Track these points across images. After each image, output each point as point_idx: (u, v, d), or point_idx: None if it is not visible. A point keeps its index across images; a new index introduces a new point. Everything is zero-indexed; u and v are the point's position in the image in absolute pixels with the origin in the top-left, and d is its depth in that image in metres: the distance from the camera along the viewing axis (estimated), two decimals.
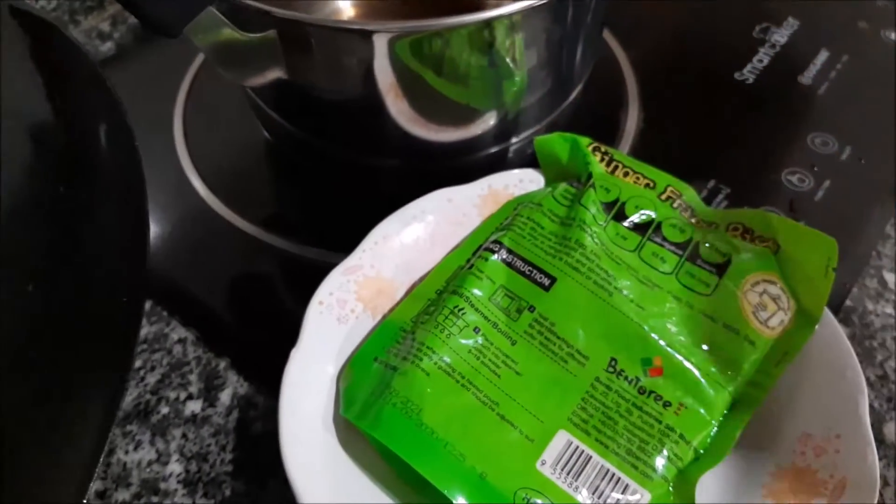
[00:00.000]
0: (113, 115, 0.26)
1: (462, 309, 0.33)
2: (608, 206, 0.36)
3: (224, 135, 0.48)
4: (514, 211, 0.37)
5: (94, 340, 0.24)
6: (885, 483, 0.34)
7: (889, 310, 0.40)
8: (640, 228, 0.35)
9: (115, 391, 0.22)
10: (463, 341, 0.32)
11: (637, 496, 0.29)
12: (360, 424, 0.31)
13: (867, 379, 0.36)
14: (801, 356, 0.33)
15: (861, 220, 0.42)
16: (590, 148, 0.38)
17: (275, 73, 0.37)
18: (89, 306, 0.24)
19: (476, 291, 0.34)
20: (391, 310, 0.36)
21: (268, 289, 0.42)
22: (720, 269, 0.34)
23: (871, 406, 0.36)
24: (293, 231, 0.43)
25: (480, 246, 0.36)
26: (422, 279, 0.36)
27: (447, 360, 0.32)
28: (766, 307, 0.33)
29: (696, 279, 0.34)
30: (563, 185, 0.37)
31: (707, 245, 0.35)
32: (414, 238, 0.37)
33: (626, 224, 0.36)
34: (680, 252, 0.35)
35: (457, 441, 0.30)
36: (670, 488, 0.30)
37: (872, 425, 0.35)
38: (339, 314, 0.35)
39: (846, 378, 0.32)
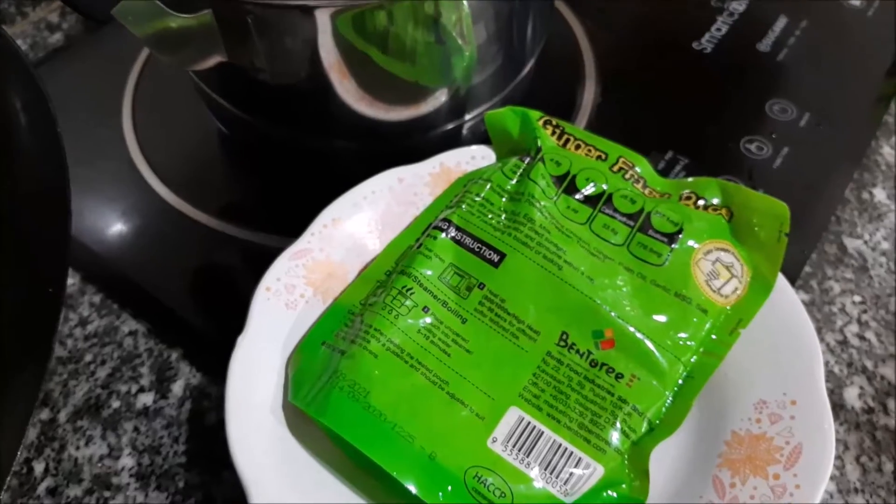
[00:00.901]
0: (36, 102, 0.25)
1: (410, 289, 0.33)
2: (558, 180, 0.35)
3: (174, 124, 0.47)
4: (464, 188, 0.36)
5: (12, 333, 0.23)
6: (845, 447, 0.34)
7: (849, 275, 0.39)
8: (590, 201, 0.35)
9: (34, 384, 0.22)
10: (411, 321, 0.32)
11: (590, 470, 0.29)
12: (308, 410, 0.30)
13: (827, 344, 0.36)
14: (755, 323, 0.32)
15: (820, 186, 0.42)
16: (540, 122, 0.37)
17: (215, 57, 0.36)
18: (8, 298, 0.23)
19: (425, 271, 0.33)
20: (342, 293, 0.35)
21: (222, 278, 0.41)
22: (672, 238, 0.33)
23: (830, 371, 0.36)
24: (247, 219, 0.42)
25: (430, 225, 0.35)
26: (373, 261, 0.36)
27: (395, 341, 0.31)
28: (718, 275, 0.33)
29: (648, 249, 0.33)
30: (513, 160, 0.36)
31: (659, 215, 0.34)
32: (364, 219, 0.37)
33: (576, 197, 0.35)
34: (631, 223, 0.34)
35: (405, 422, 0.29)
36: (624, 461, 0.29)
37: (832, 391, 0.35)
38: (288, 300, 0.34)
39: (801, 344, 0.32)
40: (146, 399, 0.36)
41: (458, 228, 0.34)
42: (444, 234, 0.34)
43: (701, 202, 0.35)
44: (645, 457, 0.29)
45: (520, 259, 0.33)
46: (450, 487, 0.29)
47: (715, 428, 0.31)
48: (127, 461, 0.35)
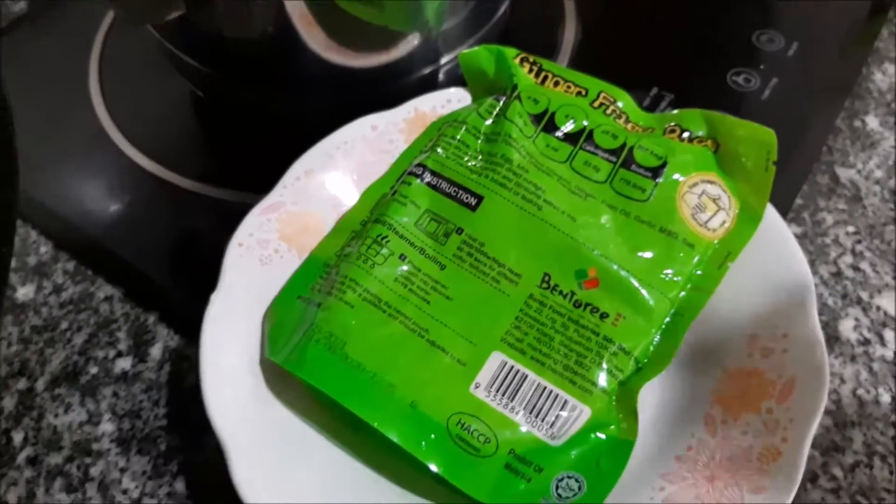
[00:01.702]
0: None
1: (386, 237, 0.32)
2: (537, 118, 0.34)
3: (143, 87, 0.46)
4: (439, 132, 0.35)
5: None
6: (841, 380, 0.33)
7: (842, 205, 0.38)
8: (571, 138, 0.34)
9: None
10: (388, 270, 0.31)
11: (577, 412, 0.28)
12: (285, 365, 0.29)
13: (821, 277, 0.35)
14: (745, 255, 0.31)
15: (810, 116, 0.40)
16: (516, 59, 0.36)
17: (173, 10, 0.35)
18: None
19: (401, 218, 0.32)
20: (316, 246, 0.34)
21: (198, 239, 0.40)
22: (656, 172, 0.32)
23: (825, 304, 0.35)
24: (221, 178, 0.41)
25: (405, 171, 0.34)
26: (348, 211, 0.35)
27: (372, 290, 0.30)
28: (705, 208, 0.32)
29: (632, 185, 0.32)
30: (488, 101, 0.35)
31: (642, 149, 0.33)
32: (338, 170, 0.35)
33: (556, 135, 0.34)
34: (613, 158, 0.33)
35: (385, 372, 0.29)
36: (612, 401, 0.29)
37: (827, 323, 0.34)
38: (262, 255, 0.33)
39: (793, 275, 0.31)
40: (124, 364, 0.36)
41: (433, 173, 0.33)
42: (419, 180, 0.33)
43: (686, 134, 0.33)
44: (633, 396, 0.28)
45: (498, 201, 0.32)
46: (433, 435, 0.28)
47: (705, 364, 0.31)
48: (107, 427, 0.34)
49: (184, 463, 0.33)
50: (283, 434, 0.30)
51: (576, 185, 0.32)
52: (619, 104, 0.35)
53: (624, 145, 0.33)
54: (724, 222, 0.32)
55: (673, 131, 0.34)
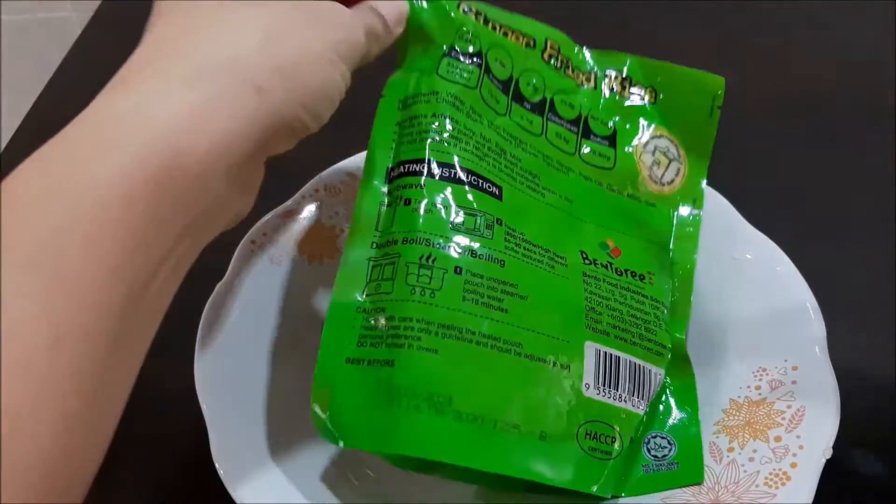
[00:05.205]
0: None
1: (430, 256, 0.26)
2: (504, 86, 0.30)
3: None
4: (404, 110, 0.28)
5: None
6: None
7: None
8: (537, 108, 0.31)
9: None
10: (450, 292, 0.25)
11: (658, 377, 0.28)
12: (374, 448, 0.25)
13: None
14: (754, 285, 0.31)
15: None
16: (461, 8, 0.30)
17: None
18: None
19: (433, 229, 0.26)
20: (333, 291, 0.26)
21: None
22: (611, 140, 0.32)
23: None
24: None
25: (390, 169, 0.28)
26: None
27: (446, 322, 0.25)
28: (659, 163, 0.33)
29: (596, 154, 0.32)
30: (445, 61, 0.29)
31: (594, 118, 0.32)
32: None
33: (525, 106, 0.31)
34: (574, 129, 0.32)
35: (504, 413, 0.25)
36: (669, 355, 0.29)
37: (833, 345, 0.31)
38: (272, 254, 0.32)
39: (801, 305, 0.30)
40: None
41: (440, 164, 0.27)
42: (425, 177, 0.27)
43: (627, 83, 0.33)
44: (681, 345, 0.30)
45: (513, 191, 0.29)
46: (569, 459, 0.25)
47: (711, 397, 0.30)
48: None
49: None
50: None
51: (556, 160, 0.31)
52: (562, 50, 0.32)
53: (580, 116, 0.32)
54: (679, 171, 0.33)
55: (615, 78, 0.33)
